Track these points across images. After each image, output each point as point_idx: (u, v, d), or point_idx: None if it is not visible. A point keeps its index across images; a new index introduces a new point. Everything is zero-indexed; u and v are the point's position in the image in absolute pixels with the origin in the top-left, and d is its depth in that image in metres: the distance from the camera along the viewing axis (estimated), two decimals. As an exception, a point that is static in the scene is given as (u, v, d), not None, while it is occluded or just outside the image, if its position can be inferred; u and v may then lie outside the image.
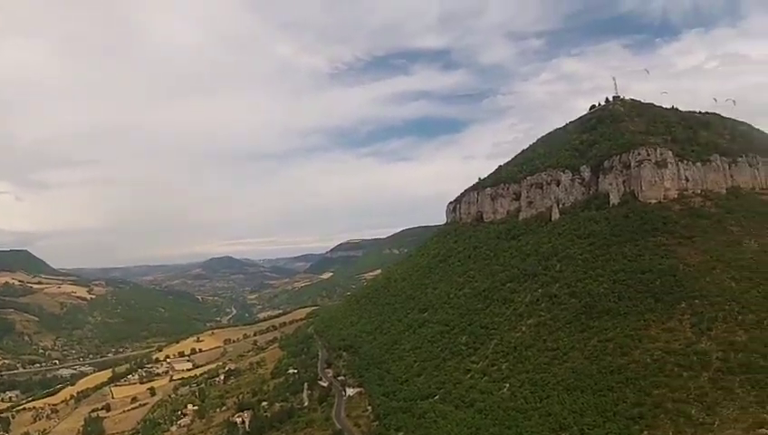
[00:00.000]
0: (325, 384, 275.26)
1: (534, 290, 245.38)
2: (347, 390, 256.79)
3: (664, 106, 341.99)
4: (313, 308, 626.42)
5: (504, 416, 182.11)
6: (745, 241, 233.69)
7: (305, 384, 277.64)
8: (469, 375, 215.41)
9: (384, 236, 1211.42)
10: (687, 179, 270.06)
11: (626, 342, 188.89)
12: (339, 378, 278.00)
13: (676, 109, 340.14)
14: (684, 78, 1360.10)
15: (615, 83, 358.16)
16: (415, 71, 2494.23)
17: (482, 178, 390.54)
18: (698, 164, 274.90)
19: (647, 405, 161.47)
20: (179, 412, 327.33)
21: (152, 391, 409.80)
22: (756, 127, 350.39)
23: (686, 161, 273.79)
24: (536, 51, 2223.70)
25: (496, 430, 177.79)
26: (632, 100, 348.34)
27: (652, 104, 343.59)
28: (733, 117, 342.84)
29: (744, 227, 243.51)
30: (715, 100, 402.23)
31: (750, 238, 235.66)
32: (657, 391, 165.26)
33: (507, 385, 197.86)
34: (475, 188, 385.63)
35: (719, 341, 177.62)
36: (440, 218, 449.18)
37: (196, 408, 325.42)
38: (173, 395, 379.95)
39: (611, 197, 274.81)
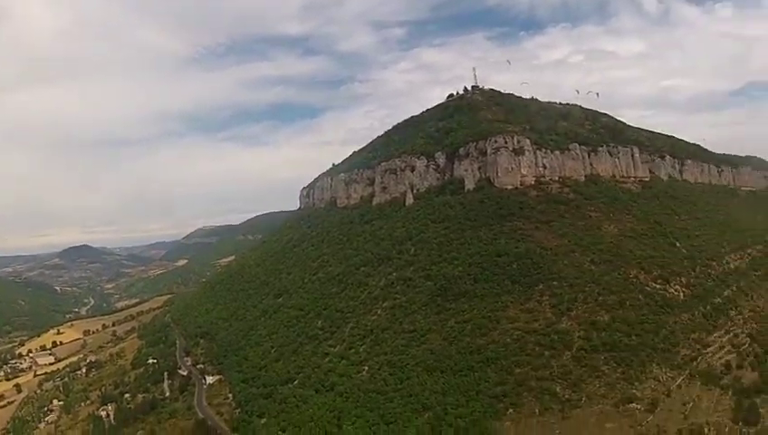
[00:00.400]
0: (185, 373, 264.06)
1: (389, 274, 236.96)
2: (206, 378, 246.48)
3: (524, 96, 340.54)
4: (170, 296, 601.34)
5: (365, 398, 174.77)
6: (605, 226, 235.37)
7: (165, 374, 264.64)
8: (327, 359, 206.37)
9: (238, 223, 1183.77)
10: (545, 167, 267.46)
11: (484, 323, 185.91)
12: (198, 366, 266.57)
13: (536, 99, 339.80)
14: (547, 71, 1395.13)
15: (475, 73, 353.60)
16: (275, 56, 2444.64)
17: (336, 163, 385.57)
18: (557, 152, 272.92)
19: (510, 383, 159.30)
20: (46, 408, 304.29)
21: (18, 388, 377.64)
22: (619, 119, 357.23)
23: (544, 149, 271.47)
24: (398, 40, 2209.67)
25: (359, 412, 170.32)
26: (491, 89, 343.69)
27: (512, 94, 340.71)
28: (595, 109, 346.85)
29: (603, 213, 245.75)
30: (578, 92, 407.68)
31: (609, 223, 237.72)
32: (519, 370, 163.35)
33: (366, 368, 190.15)
34: (329, 173, 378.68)
35: (580, 320, 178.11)
36: (294, 204, 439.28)
37: (61, 403, 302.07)
38: (38, 391, 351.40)
39: (467, 182, 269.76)
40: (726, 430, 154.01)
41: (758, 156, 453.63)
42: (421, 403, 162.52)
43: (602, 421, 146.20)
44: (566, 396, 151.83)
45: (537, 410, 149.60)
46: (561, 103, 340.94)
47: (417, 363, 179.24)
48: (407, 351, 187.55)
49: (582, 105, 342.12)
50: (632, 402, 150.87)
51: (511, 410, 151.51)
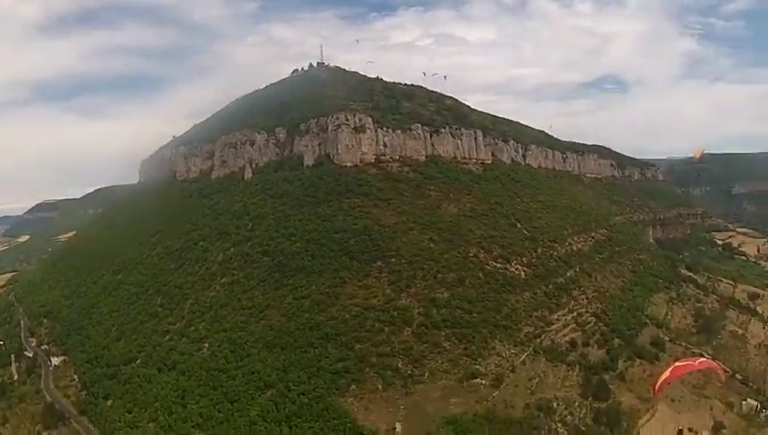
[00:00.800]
0: (31, 355, 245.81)
1: (227, 249, 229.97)
2: (52, 359, 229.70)
3: (369, 76, 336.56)
4: (13, 274, 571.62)
5: (208, 377, 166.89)
6: (444, 205, 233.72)
7: (12, 356, 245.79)
8: (167, 337, 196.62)
9: (80, 196, 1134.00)
10: (386, 145, 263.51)
11: (322, 299, 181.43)
12: (43, 347, 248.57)
13: (382, 79, 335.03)
14: (395, 52, 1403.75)
15: (321, 51, 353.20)
16: (124, 26, 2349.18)
17: (177, 136, 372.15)
18: (398, 131, 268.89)
19: (351, 359, 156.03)
20: None
21: None
22: (465, 102, 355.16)
23: (385, 128, 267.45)
24: (250, 14, 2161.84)
25: (202, 391, 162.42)
26: (337, 67, 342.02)
27: (356, 73, 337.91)
28: (441, 92, 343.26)
29: (443, 193, 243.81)
30: (424, 74, 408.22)
31: (449, 203, 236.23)
32: (359, 346, 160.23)
33: (206, 345, 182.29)
34: (169, 146, 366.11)
35: (420, 297, 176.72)
36: (135, 177, 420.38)
37: None
38: None
39: (306, 158, 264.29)
40: (576, 404, 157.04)
41: (606, 145, 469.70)
42: (263, 381, 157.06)
43: (447, 397, 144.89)
44: (408, 372, 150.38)
45: (380, 386, 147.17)
46: (406, 84, 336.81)
47: (256, 340, 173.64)
48: (246, 327, 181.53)
49: (428, 88, 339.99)
50: (476, 378, 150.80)
51: (353, 387, 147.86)
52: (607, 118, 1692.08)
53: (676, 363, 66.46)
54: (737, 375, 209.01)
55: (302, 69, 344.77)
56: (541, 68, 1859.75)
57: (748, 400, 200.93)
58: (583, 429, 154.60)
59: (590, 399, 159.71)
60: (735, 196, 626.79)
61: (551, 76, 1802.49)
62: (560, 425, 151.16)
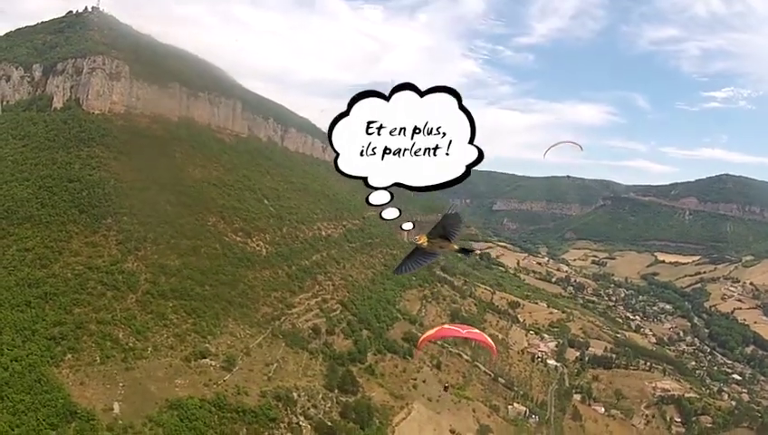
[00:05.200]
0: None
1: None
2: None
3: (140, 31, 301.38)
4: None
5: None
6: (189, 169, 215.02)
7: None
8: None
9: None
10: (139, 98, 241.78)
11: (46, 253, 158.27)
12: None
13: (151, 36, 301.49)
14: (178, 25, 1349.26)
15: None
16: None
17: None
18: (155, 87, 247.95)
19: (68, 324, 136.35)
20: None
21: None
22: (233, 77, 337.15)
23: (141, 81, 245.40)
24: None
25: None
26: (111, 15, 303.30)
27: (129, 26, 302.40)
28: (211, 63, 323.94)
29: (190, 157, 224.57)
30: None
31: (194, 168, 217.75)
32: (78, 310, 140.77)
33: None
34: None
35: (148, 262, 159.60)
36: None
37: None
38: None
39: (55, 100, 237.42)
40: (320, 396, 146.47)
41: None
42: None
43: (172, 376, 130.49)
44: (130, 344, 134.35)
45: (98, 358, 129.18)
46: (176, 47, 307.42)
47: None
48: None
49: (200, 56, 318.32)
50: (205, 358, 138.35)
51: (69, 356, 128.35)
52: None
53: (445, 326, 62.17)
54: (500, 379, 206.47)
55: (77, 11, 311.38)
56: (318, 64, 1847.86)
57: (515, 404, 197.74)
58: (330, 424, 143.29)
59: (335, 391, 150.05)
60: (496, 212, 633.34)
61: (325, 73, 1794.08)
62: (302, 418, 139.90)
